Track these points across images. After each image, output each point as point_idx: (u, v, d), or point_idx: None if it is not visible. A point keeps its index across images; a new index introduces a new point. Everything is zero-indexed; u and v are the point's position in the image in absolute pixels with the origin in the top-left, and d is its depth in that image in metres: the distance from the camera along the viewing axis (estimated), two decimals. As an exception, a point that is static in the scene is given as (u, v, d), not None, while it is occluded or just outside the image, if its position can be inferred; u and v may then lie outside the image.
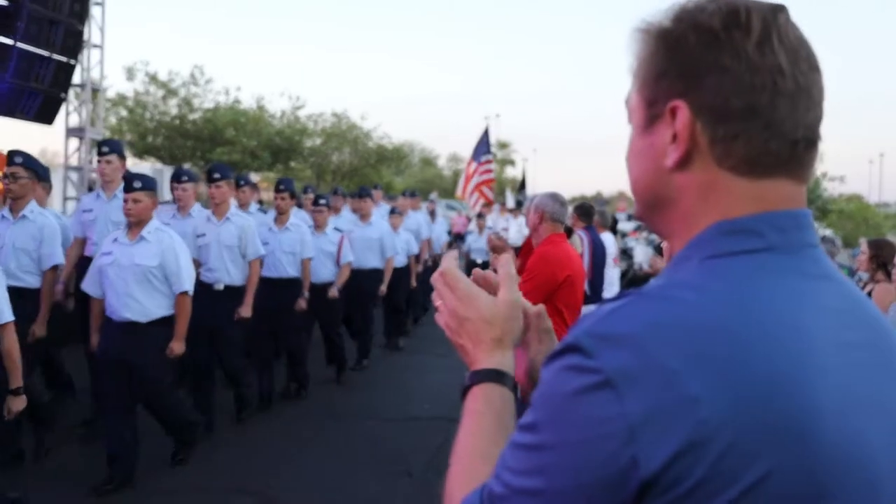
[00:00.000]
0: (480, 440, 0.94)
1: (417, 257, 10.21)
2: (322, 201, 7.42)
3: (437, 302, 1.08)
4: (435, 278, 1.08)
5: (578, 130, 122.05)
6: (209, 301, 5.70)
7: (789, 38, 0.81)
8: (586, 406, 0.72)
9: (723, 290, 0.76)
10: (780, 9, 0.83)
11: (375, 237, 8.37)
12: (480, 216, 12.75)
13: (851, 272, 9.80)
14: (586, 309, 6.42)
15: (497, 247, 4.93)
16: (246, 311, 5.98)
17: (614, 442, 0.70)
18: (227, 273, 5.95)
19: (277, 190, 6.81)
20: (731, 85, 0.80)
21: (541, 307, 1.12)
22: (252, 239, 6.03)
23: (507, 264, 1.07)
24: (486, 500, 0.81)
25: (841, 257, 15.77)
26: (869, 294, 5.07)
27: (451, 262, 1.08)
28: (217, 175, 5.96)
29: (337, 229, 7.52)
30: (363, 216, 8.47)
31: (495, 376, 1.00)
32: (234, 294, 5.96)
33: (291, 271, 6.73)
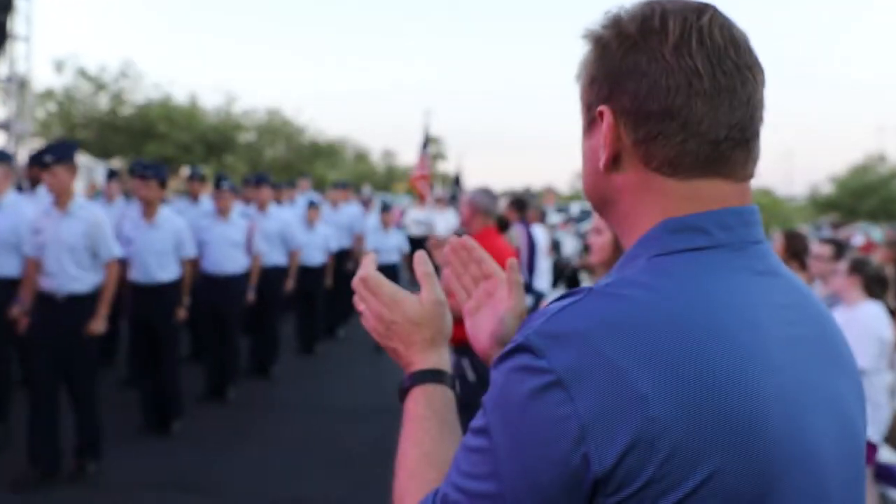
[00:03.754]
0: (426, 445, 0.92)
1: (349, 252, 9.74)
2: (225, 184, 6.66)
3: (361, 307, 1.05)
4: (356, 283, 1.05)
5: (509, 127, 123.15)
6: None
7: (713, 38, 0.80)
8: (537, 407, 0.71)
9: (671, 288, 0.76)
10: (705, 10, 0.83)
11: (275, 229, 7.53)
12: (385, 209, 9.87)
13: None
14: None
15: (437, 248, 4.83)
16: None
17: (567, 442, 0.69)
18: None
19: (217, 186, 6.65)
20: (647, 88, 0.81)
21: (513, 260, 1.10)
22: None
23: (423, 262, 1.05)
24: None
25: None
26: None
27: (371, 266, 1.06)
28: (149, 172, 5.58)
29: (245, 215, 6.99)
30: (259, 206, 7.58)
31: (433, 376, 0.98)
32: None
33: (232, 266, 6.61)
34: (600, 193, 0.89)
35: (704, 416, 0.69)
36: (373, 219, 10.12)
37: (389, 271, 8.90)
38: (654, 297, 0.75)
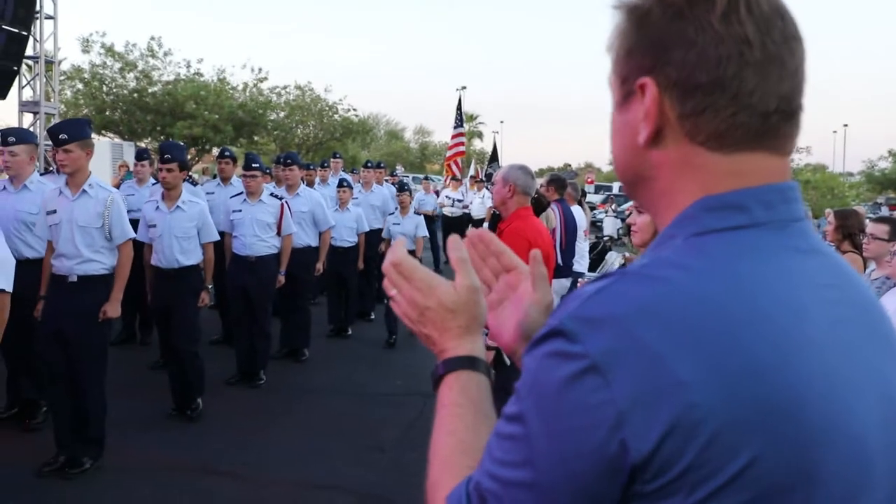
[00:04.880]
0: (460, 433, 0.92)
1: (381, 234, 9.45)
2: (255, 165, 6.74)
3: (392, 292, 1.05)
4: (387, 268, 1.04)
5: (546, 102, 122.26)
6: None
7: (760, 6, 0.79)
8: (573, 393, 0.71)
9: (709, 269, 0.75)
10: None
11: (305, 210, 7.59)
12: (402, 188, 8.95)
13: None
14: (557, 283, 6.49)
15: None
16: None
17: (603, 428, 0.69)
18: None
19: (248, 168, 6.71)
20: (695, 58, 0.79)
21: (536, 252, 1.10)
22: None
23: (457, 248, 1.04)
24: (472, 493, 0.79)
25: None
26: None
27: (402, 250, 1.05)
28: (168, 156, 5.65)
29: (275, 196, 6.98)
30: (290, 187, 7.67)
31: (468, 363, 0.98)
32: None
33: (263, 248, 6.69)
34: (635, 171, 0.87)
35: (745, 401, 0.69)
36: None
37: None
38: (692, 278, 0.74)
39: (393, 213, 8.92)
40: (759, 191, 0.80)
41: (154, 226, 5.68)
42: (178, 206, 5.64)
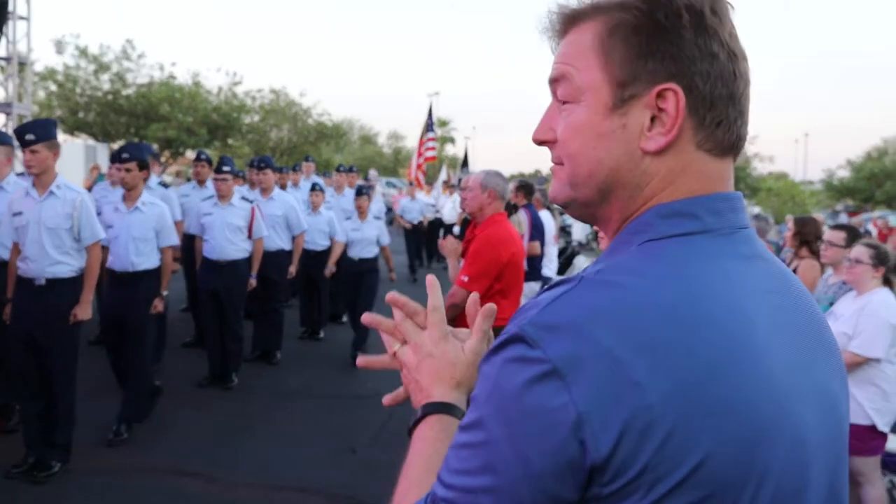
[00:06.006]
0: (433, 460, 0.91)
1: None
2: (226, 168, 6.60)
3: (394, 348, 1.06)
4: (408, 316, 1.06)
5: (518, 108, 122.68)
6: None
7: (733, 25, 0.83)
8: (534, 397, 0.71)
9: (662, 274, 0.77)
10: None
11: (279, 213, 7.50)
12: (361, 193, 8.09)
13: (778, 248, 10.12)
14: (527, 286, 6.52)
15: (451, 251, 4.50)
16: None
17: (564, 430, 0.70)
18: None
19: (219, 171, 6.62)
20: (718, 72, 0.81)
21: (491, 307, 1.08)
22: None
23: (487, 318, 1.06)
24: None
25: (770, 234, 16.22)
26: (794, 270, 5.26)
27: (440, 296, 1.06)
28: (126, 155, 5.36)
29: (246, 199, 6.81)
30: (263, 190, 7.56)
31: (449, 409, 0.99)
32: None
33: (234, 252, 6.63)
34: (621, 178, 0.84)
35: (696, 403, 0.70)
36: (378, 203, 9.87)
37: (363, 266, 7.74)
38: (646, 283, 0.75)
39: (350, 219, 8.16)
40: (708, 199, 0.83)
41: (111, 227, 5.36)
42: (136, 207, 5.35)
